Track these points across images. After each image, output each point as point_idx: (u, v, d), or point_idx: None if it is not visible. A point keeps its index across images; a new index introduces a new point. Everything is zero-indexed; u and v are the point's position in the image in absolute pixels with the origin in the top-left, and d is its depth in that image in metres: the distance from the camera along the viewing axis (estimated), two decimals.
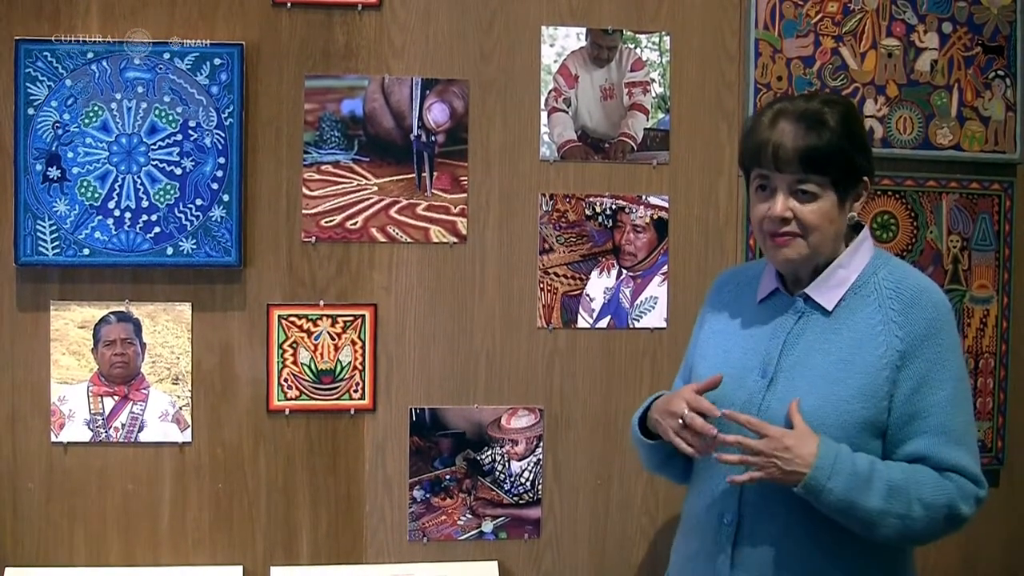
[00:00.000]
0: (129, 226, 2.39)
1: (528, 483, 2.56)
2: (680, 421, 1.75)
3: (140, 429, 2.43)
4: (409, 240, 2.50)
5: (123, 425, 2.43)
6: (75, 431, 2.41)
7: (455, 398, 2.53)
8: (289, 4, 2.44)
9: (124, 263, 2.39)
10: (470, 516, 2.54)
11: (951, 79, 2.63)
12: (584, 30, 2.54)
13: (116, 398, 2.42)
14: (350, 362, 2.49)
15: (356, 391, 2.50)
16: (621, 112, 2.56)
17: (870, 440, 1.72)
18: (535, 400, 2.56)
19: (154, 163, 2.39)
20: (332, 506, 2.51)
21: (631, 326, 2.58)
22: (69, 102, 2.36)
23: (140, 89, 2.38)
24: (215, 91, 2.39)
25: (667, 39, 2.57)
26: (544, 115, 2.53)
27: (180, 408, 2.45)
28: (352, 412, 2.50)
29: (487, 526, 2.55)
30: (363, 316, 2.49)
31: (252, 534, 2.49)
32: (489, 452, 2.54)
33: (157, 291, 2.43)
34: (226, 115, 2.40)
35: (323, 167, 2.46)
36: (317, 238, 2.47)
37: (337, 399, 2.49)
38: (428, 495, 2.53)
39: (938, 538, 1.76)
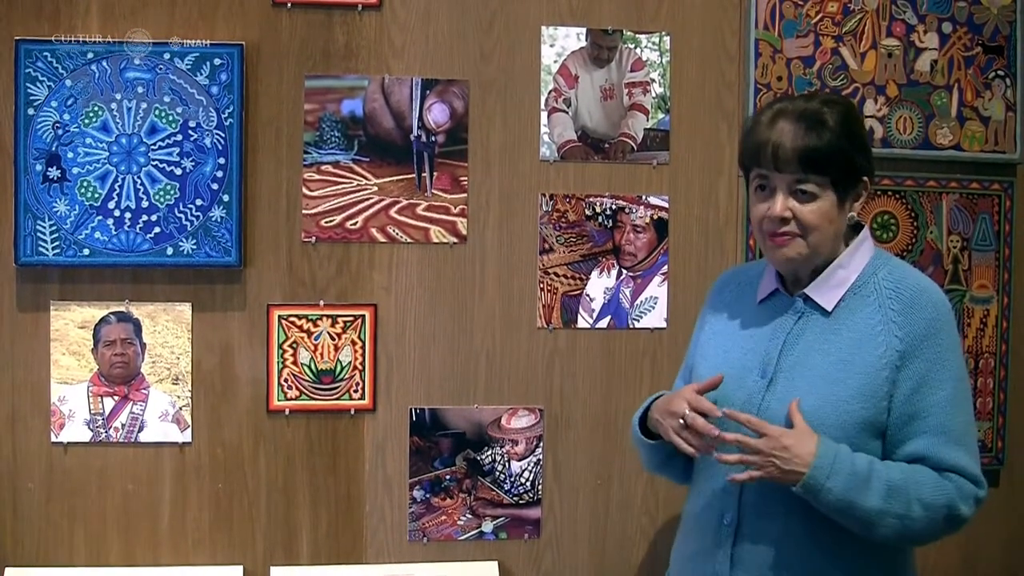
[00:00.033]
0: (129, 226, 2.39)
1: (528, 483, 2.56)
2: (681, 421, 1.75)
3: (140, 429, 2.43)
4: (409, 240, 2.50)
5: (123, 425, 2.43)
6: (75, 431, 2.41)
7: (455, 398, 2.53)
8: (289, 4, 2.44)
9: (124, 263, 2.39)
10: (470, 516, 2.54)
11: (951, 79, 2.63)
12: (584, 30, 2.54)
13: (116, 398, 2.43)
14: (350, 362, 2.49)
15: (356, 391, 2.50)
16: (621, 112, 2.56)
17: (870, 440, 1.72)
18: (535, 400, 2.56)
19: (154, 163, 2.39)
20: (332, 506, 2.51)
21: (631, 326, 2.58)
22: (69, 102, 2.36)
23: (140, 89, 2.38)
24: (215, 91, 2.39)
25: (667, 39, 2.57)
26: (544, 115, 2.53)
27: (180, 408, 2.45)
28: (352, 412, 2.50)
29: (487, 526, 2.55)
30: (363, 316, 2.49)
31: (252, 534, 2.49)
32: (489, 452, 2.54)
33: (157, 291, 2.43)
34: (226, 115, 2.40)
35: (323, 167, 2.46)
36: (317, 238, 2.47)
37: (337, 399, 2.49)
38: (428, 495, 2.53)
39: (938, 538, 1.76)
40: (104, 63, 2.36)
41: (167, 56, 2.38)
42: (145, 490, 2.45)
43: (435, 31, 2.50)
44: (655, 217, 2.58)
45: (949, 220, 2.65)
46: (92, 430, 2.42)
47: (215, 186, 2.40)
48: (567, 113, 2.54)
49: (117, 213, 2.38)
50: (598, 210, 2.56)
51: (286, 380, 2.47)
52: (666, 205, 2.58)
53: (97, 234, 2.38)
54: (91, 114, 2.37)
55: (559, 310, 2.55)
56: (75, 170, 2.37)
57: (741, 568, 1.77)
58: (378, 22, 2.48)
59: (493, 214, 2.53)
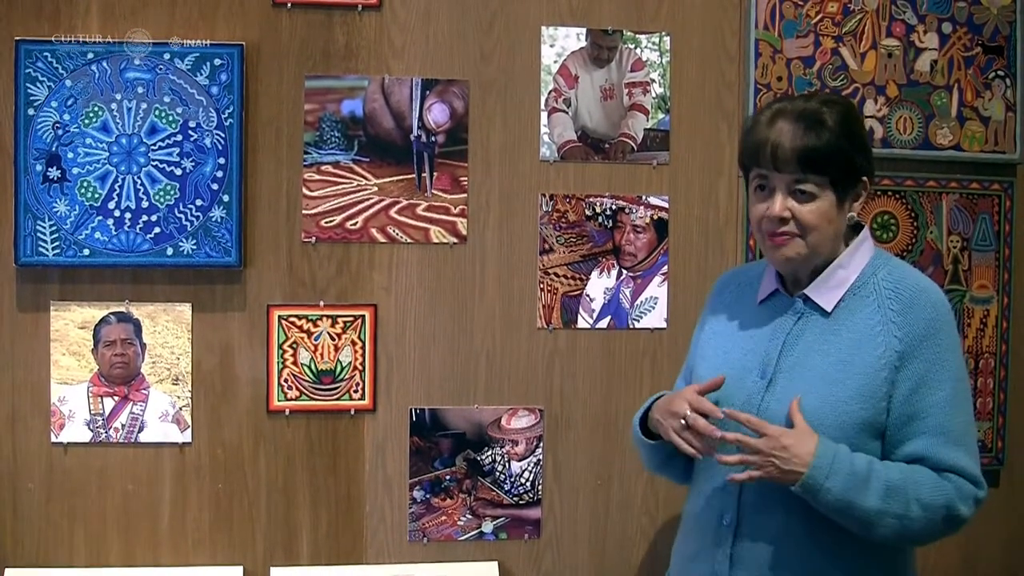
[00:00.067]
0: (129, 226, 2.39)
1: (528, 483, 2.56)
2: (682, 422, 1.75)
3: (140, 429, 2.43)
4: (409, 240, 2.50)
5: (123, 425, 2.43)
6: (75, 431, 2.41)
7: (455, 398, 2.53)
8: (289, 4, 2.44)
9: (124, 263, 2.39)
10: (470, 516, 2.54)
11: (951, 79, 2.63)
12: (584, 30, 2.54)
13: (116, 398, 2.42)
14: (350, 362, 2.49)
15: (356, 391, 2.50)
16: (621, 112, 2.56)
17: (869, 441, 1.72)
18: (535, 400, 2.56)
19: (154, 163, 2.39)
20: (332, 506, 2.51)
21: (631, 326, 2.58)
22: (69, 102, 2.36)
23: (140, 89, 2.38)
24: (215, 91, 2.39)
25: (667, 39, 2.57)
26: (544, 115, 2.53)
27: (180, 408, 2.45)
28: (352, 412, 2.50)
29: (487, 526, 2.55)
30: (363, 316, 2.49)
31: (252, 534, 2.49)
32: (489, 452, 2.54)
33: (157, 291, 2.43)
34: (226, 115, 2.40)
35: (323, 167, 2.46)
36: (317, 238, 2.47)
37: (337, 399, 2.49)
38: (428, 495, 2.53)
39: (937, 539, 1.76)
40: (104, 63, 2.36)
41: (167, 56, 2.38)
42: (145, 490, 2.45)
43: (435, 31, 2.50)
44: (655, 217, 2.58)
45: (949, 220, 2.65)
46: (92, 430, 2.42)
47: (215, 186, 2.40)
48: (567, 113, 2.54)
49: (117, 213, 2.38)
50: (598, 210, 2.56)
51: (286, 380, 2.47)
52: (666, 205, 2.58)
53: (97, 234, 2.38)
54: (91, 114, 2.37)
55: (559, 310, 2.55)
56: (75, 170, 2.37)
57: (741, 568, 1.77)
58: (378, 22, 2.48)
59: (493, 214, 2.53)
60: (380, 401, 2.51)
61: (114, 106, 2.37)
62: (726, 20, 2.59)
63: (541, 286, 2.55)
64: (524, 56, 2.53)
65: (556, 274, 2.55)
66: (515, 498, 2.55)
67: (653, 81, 2.57)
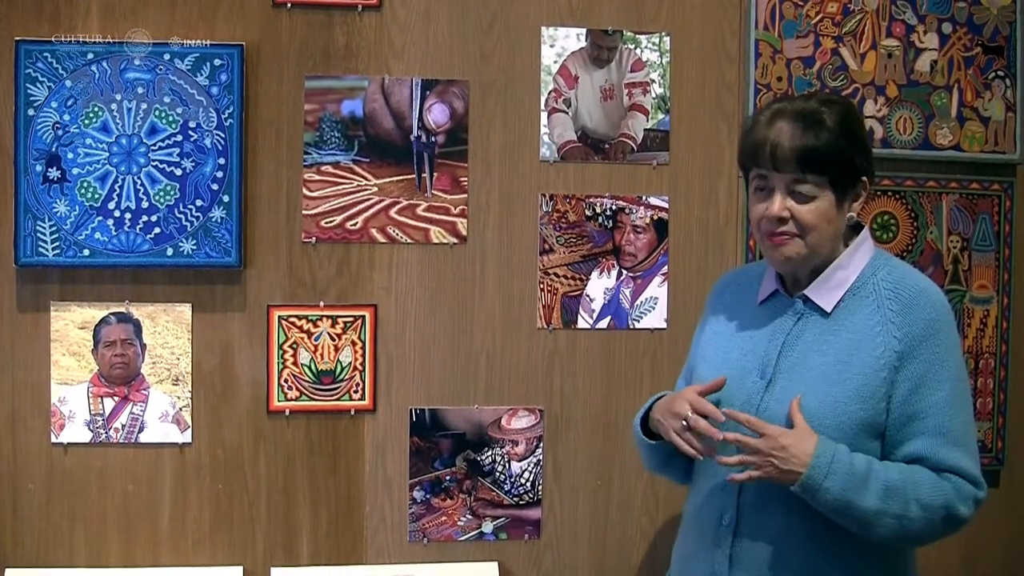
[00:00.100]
0: (129, 227, 2.39)
1: (528, 484, 2.56)
2: (683, 423, 1.75)
3: (140, 430, 2.43)
4: (409, 241, 2.50)
5: (123, 426, 2.43)
6: (75, 432, 2.41)
7: (455, 399, 2.53)
8: (289, 5, 2.44)
9: (124, 264, 2.39)
10: (470, 517, 2.54)
11: (951, 79, 2.63)
12: (584, 31, 2.54)
13: (116, 399, 2.43)
14: (350, 363, 2.49)
15: (356, 392, 2.50)
16: (621, 113, 2.56)
17: (868, 441, 1.72)
18: (535, 401, 2.56)
19: (154, 164, 2.39)
20: (332, 507, 2.51)
21: (631, 327, 2.58)
22: (69, 103, 2.36)
23: (140, 90, 2.38)
24: (215, 92, 2.39)
25: (667, 40, 2.57)
26: (544, 116, 2.53)
27: (180, 409, 2.45)
28: (352, 413, 2.50)
29: (487, 527, 2.55)
30: (363, 317, 2.49)
31: (252, 535, 2.49)
32: (489, 453, 2.54)
33: (157, 292, 2.43)
34: (226, 116, 2.40)
35: (323, 168, 2.46)
36: (317, 239, 2.47)
37: (337, 400, 2.49)
38: (428, 496, 2.53)
39: (937, 539, 1.76)
40: (104, 63, 2.36)
41: (167, 56, 2.38)
42: (145, 491, 2.45)
43: (435, 31, 2.50)
44: (655, 217, 2.58)
45: (949, 220, 2.65)
46: (92, 431, 2.42)
47: (215, 187, 2.40)
48: (567, 113, 2.54)
49: (117, 214, 2.38)
50: (598, 210, 2.56)
51: (286, 381, 2.47)
52: (666, 206, 2.58)
53: (97, 235, 2.38)
54: (91, 115, 2.37)
55: (559, 310, 2.55)
56: (75, 171, 2.37)
57: (740, 567, 1.77)
58: (378, 22, 2.48)
59: (493, 215, 2.53)
60: (380, 401, 2.51)
61: (114, 106, 2.37)
62: (726, 20, 2.59)
63: (541, 286, 2.55)
64: (524, 56, 2.53)
65: (556, 274, 2.55)
66: (515, 498, 2.56)
67: (653, 81, 2.57)
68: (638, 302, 2.58)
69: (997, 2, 2.64)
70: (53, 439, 2.41)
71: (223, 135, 2.40)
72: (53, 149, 2.36)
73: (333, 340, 2.48)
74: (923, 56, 2.62)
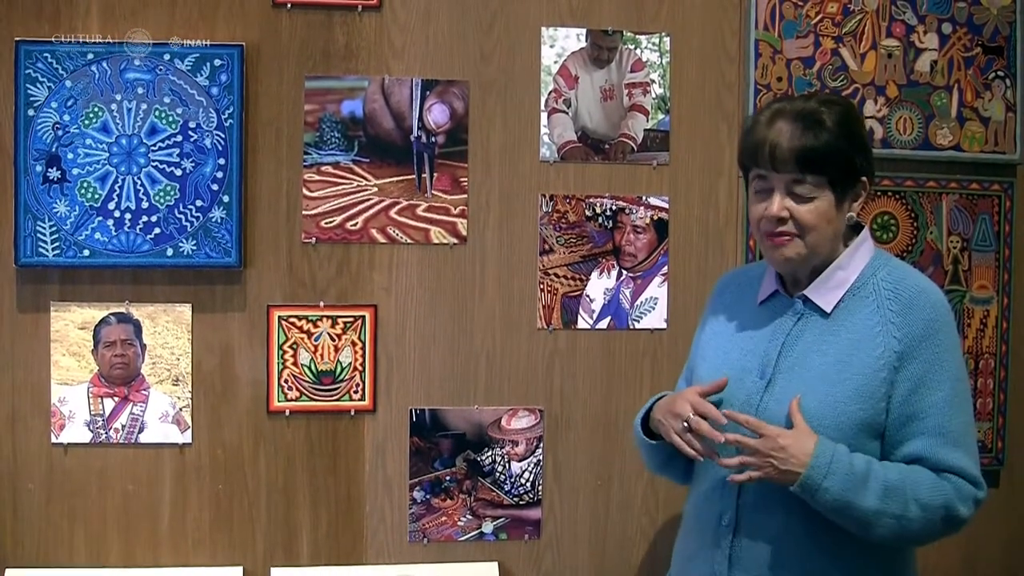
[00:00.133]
0: (129, 227, 2.39)
1: (528, 484, 2.56)
2: (684, 424, 1.75)
3: (140, 430, 2.43)
4: (409, 241, 2.50)
5: (123, 426, 2.43)
6: (75, 432, 2.41)
7: (455, 399, 2.54)
8: (289, 5, 2.44)
9: (124, 264, 2.39)
10: (470, 517, 2.54)
11: (951, 80, 2.63)
12: (584, 31, 2.54)
13: (116, 399, 2.43)
14: (350, 363, 2.49)
15: (356, 392, 2.50)
16: (621, 113, 2.56)
17: (868, 441, 1.72)
18: (535, 401, 2.56)
19: (154, 164, 2.39)
20: (332, 507, 2.51)
21: (631, 327, 2.58)
22: (69, 103, 2.36)
23: (140, 90, 2.38)
24: (215, 92, 2.39)
25: (667, 40, 2.57)
26: (544, 116, 2.53)
27: (180, 409, 2.45)
28: (352, 413, 2.50)
29: (487, 527, 2.55)
30: (363, 317, 2.49)
31: (252, 535, 2.49)
32: (489, 453, 2.54)
33: (157, 292, 2.43)
34: (226, 116, 2.40)
35: (323, 168, 2.46)
36: (317, 239, 2.47)
37: (337, 400, 2.49)
38: (428, 496, 2.53)
39: (936, 539, 1.76)
40: (104, 64, 2.36)
41: (167, 57, 2.38)
42: (145, 491, 2.45)
43: (435, 32, 2.50)
44: (655, 218, 2.58)
45: (949, 221, 2.65)
46: (92, 431, 2.42)
47: (215, 187, 2.40)
48: (567, 114, 2.54)
49: (117, 214, 2.38)
50: (598, 211, 2.56)
51: (286, 381, 2.47)
52: (666, 206, 2.58)
53: (97, 235, 2.38)
54: (91, 115, 2.37)
55: (559, 311, 2.55)
56: (75, 171, 2.37)
57: (739, 568, 1.77)
58: (378, 23, 2.48)
59: (493, 215, 2.53)
60: (380, 402, 2.51)
61: (114, 107, 2.37)
62: (726, 21, 2.59)
63: (541, 286, 2.55)
64: (524, 56, 2.53)
65: (556, 274, 2.55)
66: (515, 499, 2.56)
67: (653, 82, 2.57)
68: (638, 302, 2.58)
69: (997, 2, 2.64)
70: (53, 439, 2.41)
71: (223, 135, 2.40)
72: (53, 149, 2.36)
73: (333, 340, 2.48)
74: (923, 56, 2.62)
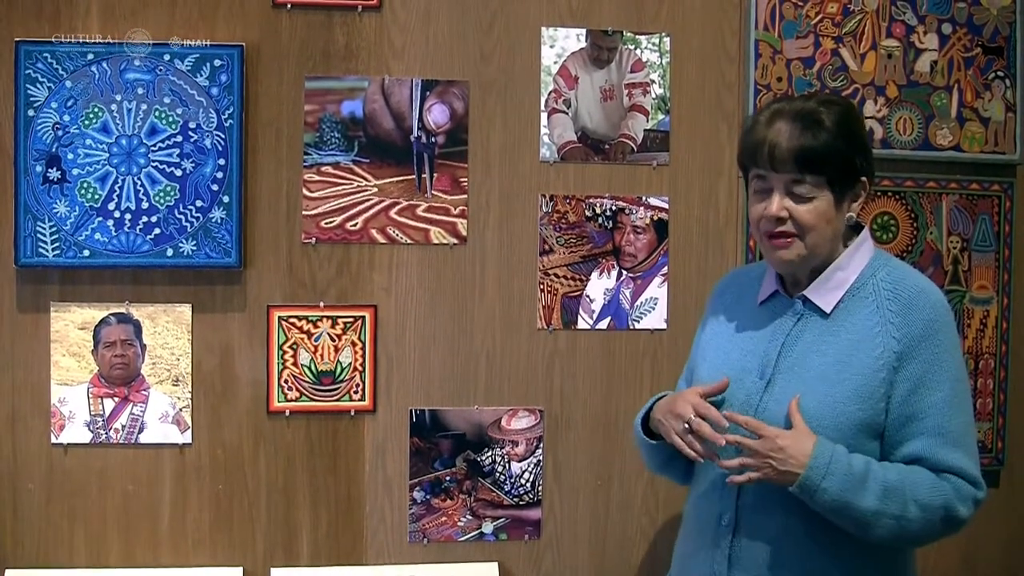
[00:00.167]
0: (129, 227, 2.39)
1: (528, 484, 2.56)
2: (685, 425, 1.76)
3: (140, 430, 2.43)
4: (409, 241, 2.50)
5: (123, 427, 2.43)
6: (75, 432, 2.41)
7: (455, 399, 2.54)
8: (289, 5, 2.44)
9: (124, 264, 2.39)
10: (470, 517, 2.54)
11: (951, 80, 2.63)
12: (584, 31, 2.54)
13: (116, 399, 2.43)
14: (350, 363, 2.49)
15: (356, 392, 2.50)
16: (621, 113, 2.56)
17: (867, 441, 1.72)
18: (535, 401, 2.56)
19: (154, 164, 2.39)
20: (332, 507, 2.51)
21: (631, 327, 2.58)
22: (69, 103, 2.36)
23: (140, 90, 2.38)
24: (215, 92, 2.39)
25: (667, 40, 2.57)
26: (544, 116, 2.53)
27: (180, 409, 2.45)
28: (352, 413, 2.50)
29: (487, 527, 2.55)
30: (363, 317, 2.49)
31: (252, 535, 2.49)
32: (489, 453, 2.54)
33: (157, 292, 2.43)
34: (226, 116, 2.40)
35: (323, 168, 2.46)
36: (317, 239, 2.47)
37: (337, 400, 2.49)
38: (428, 496, 2.53)
39: (936, 540, 1.76)
40: (104, 64, 2.36)
41: (167, 57, 2.38)
42: (145, 491, 2.45)
43: (435, 32, 2.50)
44: (655, 218, 2.58)
45: (949, 221, 2.65)
46: (92, 431, 2.42)
47: (215, 187, 2.40)
48: (567, 114, 2.54)
49: (117, 214, 2.38)
50: (598, 211, 2.56)
51: (286, 381, 2.47)
52: (666, 206, 2.58)
53: (97, 235, 2.38)
54: (91, 115, 2.37)
55: (559, 311, 2.55)
56: (75, 171, 2.37)
57: (739, 567, 1.77)
58: (378, 23, 2.48)
59: (493, 215, 2.53)
60: (380, 402, 2.51)
61: (114, 107, 2.37)
62: (726, 21, 2.59)
63: (541, 287, 2.55)
64: (524, 57, 2.53)
65: (556, 275, 2.55)
66: (515, 499, 2.56)
67: (653, 82, 2.57)
68: (638, 302, 2.58)
69: (997, 2, 2.64)
70: (53, 439, 2.41)
71: (223, 136, 2.40)
72: (53, 150, 2.36)
73: (333, 341, 2.48)
74: (923, 57, 2.62)
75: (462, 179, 2.51)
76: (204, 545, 2.47)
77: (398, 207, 2.49)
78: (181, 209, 2.40)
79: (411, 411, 2.52)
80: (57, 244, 2.37)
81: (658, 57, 2.57)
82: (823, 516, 1.69)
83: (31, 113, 2.35)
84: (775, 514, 1.74)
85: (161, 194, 2.39)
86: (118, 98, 2.37)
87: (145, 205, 2.39)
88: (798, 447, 1.66)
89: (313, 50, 2.46)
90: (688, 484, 1.96)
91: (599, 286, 2.56)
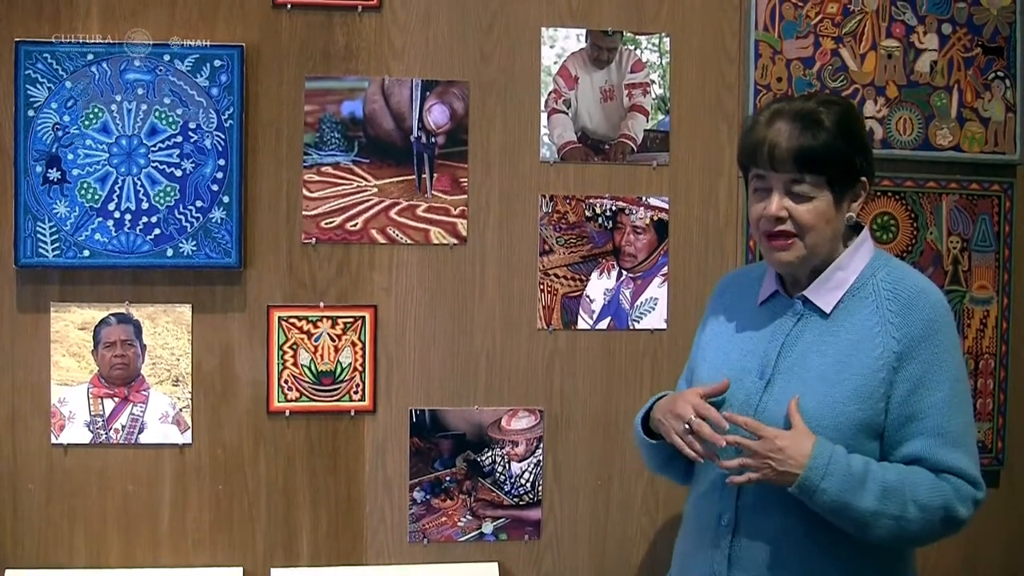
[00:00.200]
0: (129, 228, 2.39)
1: (528, 484, 2.56)
2: (685, 425, 1.76)
3: (140, 431, 2.43)
4: (409, 241, 2.50)
5: (123, 427, 2.43)
6: (75, 433, 2.41)
7: (455, 399, 2.54)
8: (289, 5, 2.44)
9: (124, 265, 2.39)
10: (470, 517, 2.55)
11: (951, 80, 2.63)
12: (584, 31, 2.54)
13: (116, 400, 2.43)
14: (350, 363, 2.49)
15: (356, 392, 2.50)
16: (621, 113, 2.56)
17: (867, 441, 1.72)
18: (535, 401, 2.56)
19: (154, 165, 2.39)
20: (332, 507, 2.51)
21: (631, 327, 2.58)
22: (69, 104, 2.36)
23: (140, 91, 2.38)
24: (215, 92, 2.39)
25: (667, 40, 2.57)
26: (544, 116, 2.54)
27: (180, 410, 2.45)
28: (352, 413, 2.50)
29: (487, 527, 2.55)
30: (363, 317, 2.49)
31: (252, 535, 2.49)
32: (489, 453, 2.54)
33: (157, 293, 2.43)
34: (226, 117, 2.40)
35: (323, 168, 2.47)
36: (317, 239, 2.47)
37: (337, 400, 2.49)
38: (428, 496, 2.53)
39: (935, 540, 1.76)
40: (104, 64, 2.37)
41: (167, 57, 2.38)
42: (145, 491, 2.45)
43: (435, 32, 2.50)
44: (655, 218, 2.58)
45: (949, 221, 2.65)
46: (92, 432, 2.42)
47: (215, 187, 2.40)
48: (567, 114, 2.54)
49: (117, 215, 2.38)
50: (598, 211, 2.56)
51: (286, 381, 2.47)
52: (666, 206, 2.58)
53: (97, 236, 2.38)
54: (91, 115, 2.37)
55: (559, 311, 2.55)
56: (75, 172, 2.37)
57: (739, 567, 1.77)
58: (378, 23, 2.48)
59: (493, 215, 2.53)
60: (380, 402, 2.51)
61: (114, 107, 2.37)
62: (726, 21, 2.59)
63: (541, 287, 2.55)
64: (524, 57, 2.53)
65: (556, 275, 2.55)
66: (515, 499, 2.56)
67: (653, 82, 2.57)
68: (638, 303, 2.58)
69: (997, 2, 2.64)
70: (53, 440, 2.41)
71: (223, 136, 2.40)
72: (53, 150, 2.36)
73: (333, 341, 2.48)
74: (923, 57, 2.62)
75: (462, 179, 2.51)
76: (204, 545, 2.47)
77: (398, 207, 2.49)
78: (181, 209, 2.40)
79: (411, 411, 2.52)
80: (57, 244, 2.37)
81: (658, 57, 2.57)
82: (823, 516, 1.69)
83: (31, 113, 2.35)
84: (775, 514, 1.74)
85: (161, 194, 2.39)
86: (118, 98, 2.37)
87: (145, 205, 2.39)
88: (797, 447, 1.66)
89: (313, 50, 2.46)
90: (688, 484, 1.96)
91: (599, 286, 2.56)
